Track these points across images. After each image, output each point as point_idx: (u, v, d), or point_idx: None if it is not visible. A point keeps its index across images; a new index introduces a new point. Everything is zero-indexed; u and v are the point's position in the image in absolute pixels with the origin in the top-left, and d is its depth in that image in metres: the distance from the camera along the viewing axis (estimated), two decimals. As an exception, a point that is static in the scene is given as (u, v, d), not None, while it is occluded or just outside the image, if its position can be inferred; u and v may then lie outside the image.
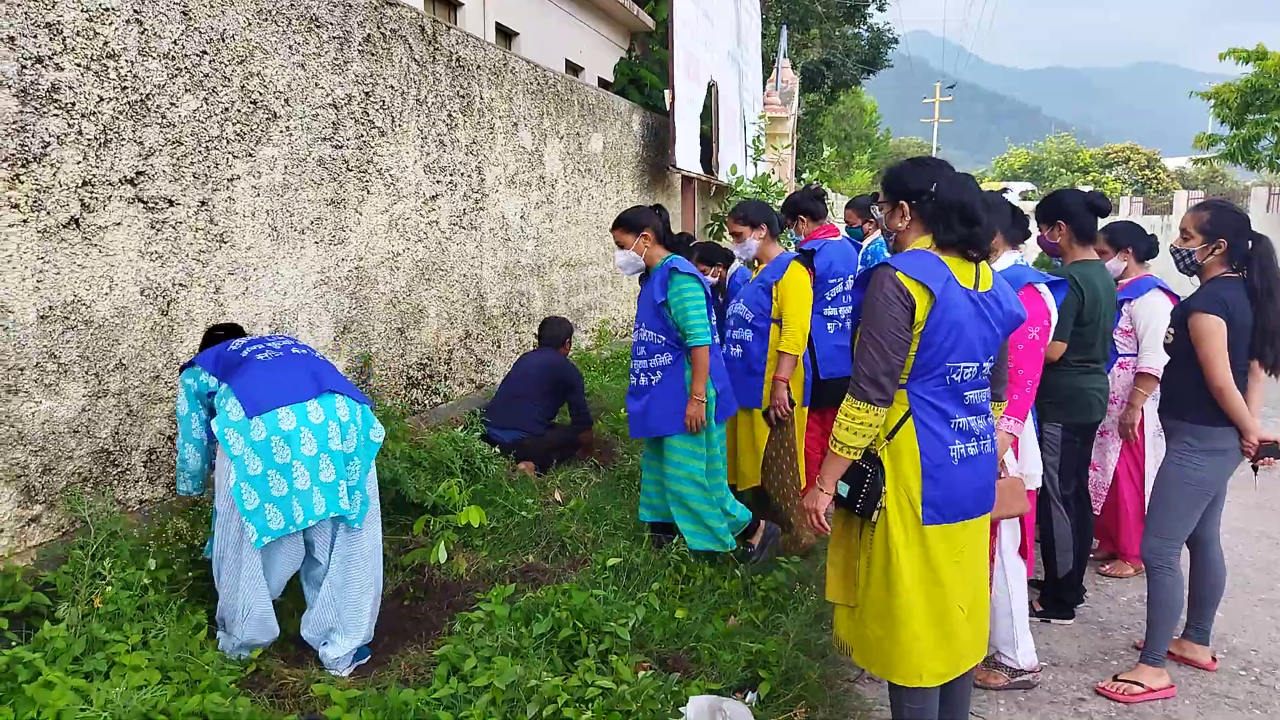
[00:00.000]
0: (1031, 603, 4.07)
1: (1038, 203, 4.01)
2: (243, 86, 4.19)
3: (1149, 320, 4.25)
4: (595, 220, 8.89)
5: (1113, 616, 4.15)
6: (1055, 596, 4.04)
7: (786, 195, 7.28)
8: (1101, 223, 3.99)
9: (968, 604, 2.54)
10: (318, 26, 4.68)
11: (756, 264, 4.66)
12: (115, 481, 3.66)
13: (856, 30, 24.74)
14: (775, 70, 17.85)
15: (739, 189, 10.91)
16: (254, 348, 3.30)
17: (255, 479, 3.02)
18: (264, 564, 3.16)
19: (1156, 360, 4.15)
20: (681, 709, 2.69)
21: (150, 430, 3.81)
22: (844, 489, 2.53)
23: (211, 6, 3.99)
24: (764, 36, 17.26)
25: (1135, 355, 4.33)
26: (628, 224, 4.15)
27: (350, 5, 4.95)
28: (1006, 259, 3.45)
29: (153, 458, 3.83)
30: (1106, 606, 4.25)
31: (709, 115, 11.43)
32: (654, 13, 15.60)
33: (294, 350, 3.35)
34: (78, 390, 3.48)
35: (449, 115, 6.01)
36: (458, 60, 6.10)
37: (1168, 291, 4.32)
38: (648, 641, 3.38)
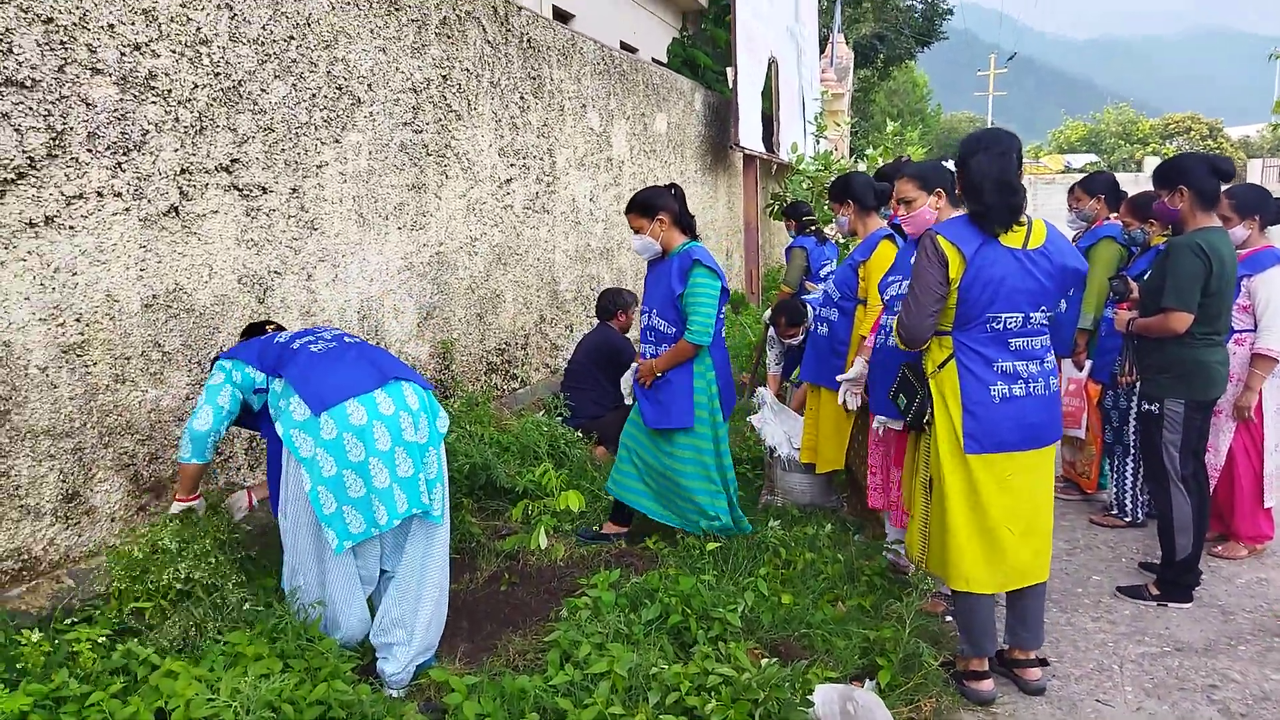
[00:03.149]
0: (1147, 586, 3.93)
1: (1155, 168, 3.81)
2: (328, 71, 4.16)
3: (1269, 298, 4.01)
4: (660, 201, 8.79)
5: (1232, 599, 3.97)
6: (1173, 580, 3.87)
7: (849, 171, 7.10)
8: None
9: (1018, 527, 2.90)
10: (396, 9, 4.64)
11: (853, 238, 4.55)
12: (218, 469, 3.67)
13: (910, 2, 24.23)
14: (830, 45, 17.54)
15: (800, 167, 10.71)
16: (304, 339, 3.00)
17: (330, 481, 2.75)
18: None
19: (1276, 340, 3.94)
20: (809, 698, 2.61)
21: (248, 418, 3.81)
22: (902, 402, 2.98)
23: (297, -10, 3.97)
24: (818, 11, 16.93)
25: (1253, 330, 4.10)
26: (642, 207, 3.92)
27: (427, -13, 4.90)
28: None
29: (253, 445, 3.85)
30: (1224, 589, 4.07)
31: (769, 93, 11.24)
32: (707, -10, 15.39)
33: (346, 339, 3.04)
34: (181, 379, 3.49)
35: (521, 98, 5.95)
36: (529, 42, 6.02)
37: None
38: (756, 628, 3.30)
